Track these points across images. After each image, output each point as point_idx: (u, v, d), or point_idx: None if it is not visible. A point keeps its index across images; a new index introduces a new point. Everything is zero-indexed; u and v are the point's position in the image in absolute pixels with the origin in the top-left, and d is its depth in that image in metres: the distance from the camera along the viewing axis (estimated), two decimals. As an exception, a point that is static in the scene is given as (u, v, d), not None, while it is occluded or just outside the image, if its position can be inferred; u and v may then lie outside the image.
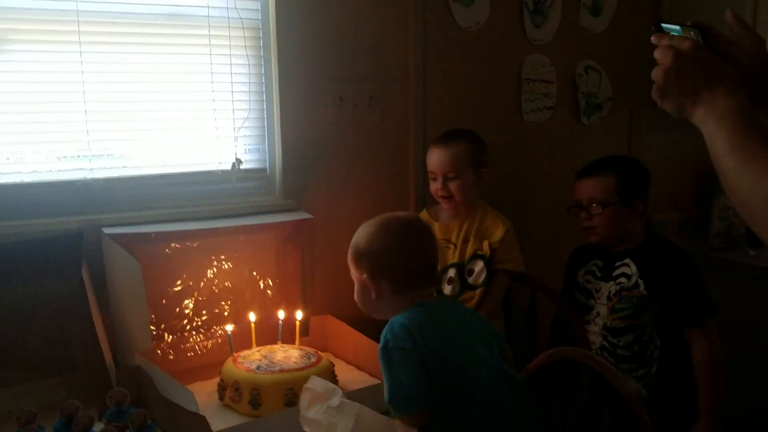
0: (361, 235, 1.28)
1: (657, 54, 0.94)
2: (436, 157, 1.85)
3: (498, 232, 1.86)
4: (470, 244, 1.86)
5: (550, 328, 1.85)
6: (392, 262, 1.23)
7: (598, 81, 2.37)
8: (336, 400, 1.21)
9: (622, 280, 1.79)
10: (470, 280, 1.85)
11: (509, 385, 1.20)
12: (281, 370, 1.47)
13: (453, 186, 1.83)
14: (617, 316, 1.77)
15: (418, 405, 1.15)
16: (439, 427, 1.15)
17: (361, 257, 1.25)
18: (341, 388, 1.52)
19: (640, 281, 1.75)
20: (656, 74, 0.93)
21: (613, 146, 2.41)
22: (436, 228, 1.90)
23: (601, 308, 1.81)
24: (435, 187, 1.86)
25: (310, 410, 1.22)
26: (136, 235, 1.64)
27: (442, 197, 1.86)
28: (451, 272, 1.87)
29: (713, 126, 0.86)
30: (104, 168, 1.70)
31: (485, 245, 1.84)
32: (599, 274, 1.86)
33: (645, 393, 1.17)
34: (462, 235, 1.87)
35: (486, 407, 1.15)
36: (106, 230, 1.61)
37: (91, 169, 1.68)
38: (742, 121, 0.84)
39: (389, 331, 1.17)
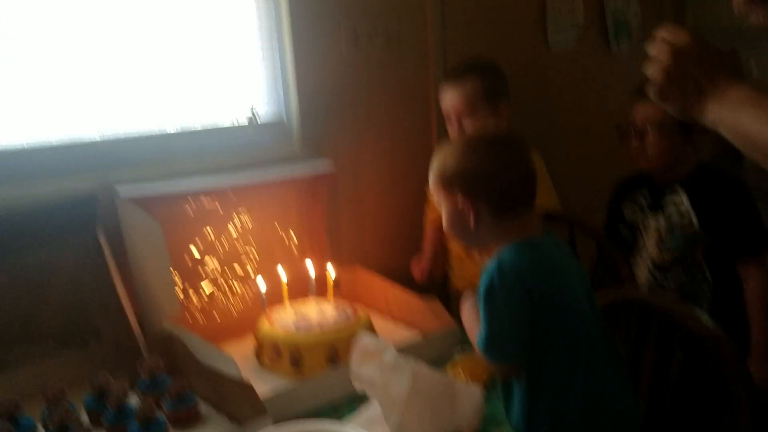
0: (446, 156, 1.13)
1: (653, 50, 0.90)
2: (447, 97, 1.70)
3: None
4: None
5: (593, 269, 1.77)
6: (491, 181, 1.08)
7: (626, 4, 2.22)
8: (390, 357, 1.13)
9: (672, 212, 1.68)
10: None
11: (602, 330, 1.12)
12: (321, 329, 1.39)
13: (470, 127, 1.68)
14: (667, 251, 1.68)
15: (518, 355, 1.06)
16: (534, 375, 1.07)
17: (452, 180, 1.10)
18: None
19: (692, 214, 1.65)
20: (655, 74, 0.90)
21: (643, 74, 2.28)
22: None
23: (649, 243, 1.72)
24: (452, 130, 1.72)
25: (363, 367, 1.14)
26: (154, 193, 1.54)
27: None
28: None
29: (734, 112, 0.84)
30: (117, 125, 1.58)
31: None
32: (647, 207, 1.74)
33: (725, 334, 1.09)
34: None
35: (586, 356, 1.07)
36: (121, 191, 1.50)
37: (103, 127, 1.56)
38: (760, 95, 0.83)
39: (496, 270, 1.05)
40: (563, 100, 2.20)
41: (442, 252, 1.87)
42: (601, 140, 2.30)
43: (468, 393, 1.14)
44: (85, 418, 1.23)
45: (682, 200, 1.67)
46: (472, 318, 1.13)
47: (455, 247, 1.80)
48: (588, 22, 2.18)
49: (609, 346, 1.12)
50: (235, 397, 1.20)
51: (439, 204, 1.15)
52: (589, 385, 1.06)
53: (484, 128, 1.21)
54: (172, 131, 1.66)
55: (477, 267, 1.76)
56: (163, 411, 1.21)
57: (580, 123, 2.22)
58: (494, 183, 1.08)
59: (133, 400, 1.23)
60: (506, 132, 1.18)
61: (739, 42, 0.99)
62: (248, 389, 1.16)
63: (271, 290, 1.60)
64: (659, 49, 0.88)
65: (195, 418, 1.23)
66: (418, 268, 1.84)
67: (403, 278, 1.71)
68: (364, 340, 1.17)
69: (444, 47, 1.93)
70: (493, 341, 1.05)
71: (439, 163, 1.13)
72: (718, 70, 0.86)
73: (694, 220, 1.64)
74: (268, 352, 1.40)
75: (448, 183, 1.11)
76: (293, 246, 1.79)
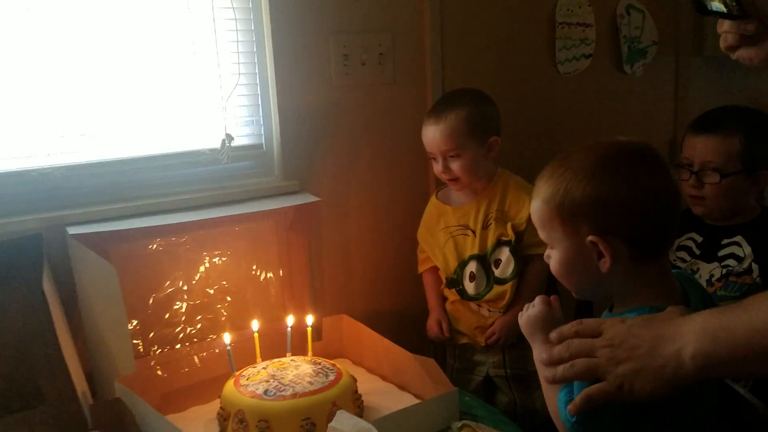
0: (566, 178, 0.88)
1: (562, 353, 0.81)
2: (429, 135, 1.52)
3: (524, 210, 1.53)
4: (492, 228, 1.54)
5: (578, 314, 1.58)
6: (633, 213, 0.85)
7: (641, 23, 2.05)
8: (370, 447, 0.93)
9: (731, 262, 1.45)
10: (497, 272, 1.54)
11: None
12: (294, 395, 1.20)
13: (456, 166, 1.51)
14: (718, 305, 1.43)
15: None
16: None
17: (578, 211, 0.86)
18: (368, 414, 1.27)
19: (755, 265, 1.42)
20: (588, 367, 0.79)
21: (659, 98, 2.13)
22: (450, 213, 1.59)
23: None
24: (437, 169, 1.55)
25: (337, 458, 0.95)
26: (110, 233, 1.35)
27: (449, 180, 1.55)
28: (473, 266, 1.56)
29: (711, 342, 0.73)
30: (66, 153, 1.39)
31: (509, 228, 1.53)
32: (698, 252, 1.51)
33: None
34: (481, 218, 1.55)
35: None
36: (72, 230, 1.32)
37: (49, 154, 1.37)
38: (721, 311, 0.76)
39: None
40: (574, 126, 2.02)
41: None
42: None
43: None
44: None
45: (744, 250, 1.45)
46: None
47: (450, 294, 1.61)
48: (600, 45, 2.00)
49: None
50: (186, 486, 1.01)
51: (551, 240, 0.93)
52: None
53: (615, 139, 0.92)
54: (134, 156, 1.47)
55: (476, 318, 1.58)
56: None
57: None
58: (637, 215, 0.85)
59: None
60: (644, 146, 0.91)
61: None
62: (200, 480, 0.96)
63: (245, 342, 1.41)
64: (572, 347, 0.81)
65: None
66: (436, 326, 1.62)
67: (394, 329, 1.52)
68: (341, 420, 0.97)
69: (443, 71, 1.75)
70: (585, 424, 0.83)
71: (555, 187, 0.89)
72: (654, 328, 0.77)
73: (756, 275, 1.42)
74: (233, 423, 1.20)
75: (571, 214, 0.88)
76: (271, 290, 1.60)
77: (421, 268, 1.69)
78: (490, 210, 1.56)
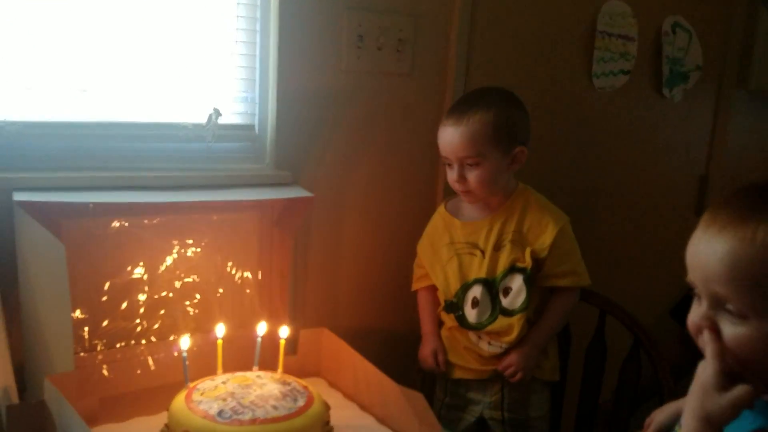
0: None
1: None
2: (447, 138, 1.32)
3: (546, 235, 1.34)
4: (506, 251, 1.34)
5: (622, 369, 1.38)
6: None
7: (686, 44, 1.89)
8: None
9: None
10: (505, 302, 1.35)
11: None
12: (254, 420, 1.00)
13: (473, 176, 1.31)
14: None
15: None
16: None
17: None
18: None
19: None
20: None
21: (696, 128, 1.96)
22: (458, 228, 1.40)
23: None
24: (451, 177, 1.34)
25: None
26: (64, 204, 1.16)
27: (462, 191, 1.35)
28: (477, 291, 1.36)
29: None
30: (24, 108, 1.20)
31: (527, 254, 1.33)
32: None
33: None
34: (493, 238, 1.35)
35: None
36: (18, 195, 1.13)
37: (3, 107, 1.18)
38: None
39: None
40: (603, 146, 1.85)
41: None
42: (650, 194, 1.96)
43: None
44: None
45: None
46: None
47: (447, 319, 1.41)
48: (640, 63, 1.83)
49: None
50: None
51: (749, 310, 0.67)
52: None
53: None
54: (101, 121, 1.27)
55: (473, 350, 1.38)
56: None
57: (622, 176, 1.87)
58: None
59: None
60: None
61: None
62: None
63: (205, 351, 1.21)
64: None
65: None
66: (431, 357, 1.40)
67: (379, 350, 1.33)
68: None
69: (468, 66, 1.57)
70: None
71: (744, 247, 0.66)
72: None
73: None
74: (177, 446, 1.01)
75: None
76: (246, 292, 1.41)
77: (415, 286, 1.49)
78: (505, 230, 1.36)
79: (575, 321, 1.47)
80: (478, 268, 1.36)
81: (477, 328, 1.36)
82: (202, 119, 1.34)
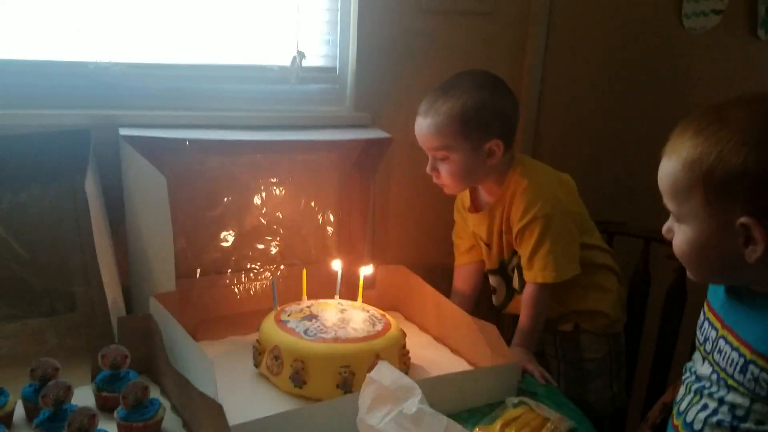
0: (724, 140, 0.72)
1: None
2: (417, 129, 1.26)
3: (515, 226, 1.24)
4: (506, 238, 1.30)
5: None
6: None
7: (786, -19, 1.76)
8: (413, 405, 0.79)
9: None
10: (515, 283, 1.34)
11: None
12: (336, 339, 1.07)
13: (443, 170, 1.25)
14: None
15: None
16: None
17: (733, 185, 0.71)
18: (413, 373, 1.13)
19: None
20: None
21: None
22: (468, 219, 1.37)
23: None
24: (428, 166, 1.28)
25: (374, 413, 0.82)
26: (164, 140, 1.25)
27: (437, 183, 1.30)
28: (493, 280, 1.38)
29: None
30: (126, 50, 1.29)
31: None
32: None
33: None
34: (495, 230, 1.30)
35: None
36: (124, 131, 1.23)
37: (109, 49, 1.28)
38: None
39: None
40: (694, 91, 1.77)
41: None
42: None
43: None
44: (20, 411, 0.96)
45: None
46: None
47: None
48: (734, 2, 1.73)
49: None
50: (204, 417, 0.90)
51: (683, 214, 0.78)
52: None
53: None
54: (194, 63, 1.35)
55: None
56: (114, 419, 0.92)
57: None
58: None
59: (84, 400, 0.95)
60: None
61: None
62: (217, 411, 0.85)
63: (292, 279, 1.30)
64: None
65: (153, 433, 0.93)
66: None
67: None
68: (382, 373, 0.83)
69: (550, 8, 1.54)
70: None
71: (704, 149, 0.73)
72: None
73: None
74: (268, 358, 1.09)
75: (722, 188, 0.72)
76: (327, 229, 1.47)
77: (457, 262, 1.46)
78: (503, 219, 1.29)
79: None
80: (488, 260, 1.37)
81: (500, 309, 1.40)
82: (287, 62, 1.40)
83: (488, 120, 1.21)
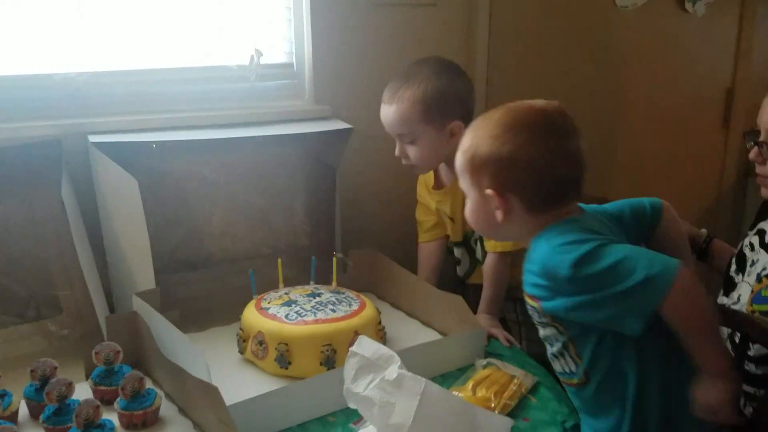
0: (479, 135, 0.94)
1: None
2: (382, 116, 1.35)
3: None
4: None
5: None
6: (529, 173, 0.91)
7: (708, -43, 1.89)
8: (393, 371, 0.88)
9: None
10: (478, 254, 1.44)
11: None
12: (316, 320, 1.15)
13: (412, 152, 1.34)
14: (759, 308, 1.13)
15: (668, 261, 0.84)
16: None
17: (482, 166, 0.93)
18: (389, 346, 1.21)
19: None
20: None
21: (720, 42, 1.98)
22: (433, 195, 1.46)
23: (745, 290, 1.19)
24: (396, 149, 1.37)
25: (359, 382, 0.90)
26: (133, 144, 1.30)
27: (407, 165, 1.38)
28: (458, 252, 1.49)
29: None
30: (89, 60, 1.33)
31: None
32: (764, 242, 1.20)
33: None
34: (458, 204, 1.38)
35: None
36: (93, 138, 1.27)
37: (72, 60, 1.31)
38: None
39: (549, 263, 0.88)
40: (628, 65, 1.90)
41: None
42: (677, 109, 2.02)
43: (493, 424, 0.88)
44: (24, 409, 1.01)
45: None
46: None
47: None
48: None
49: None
50: (200, 401, 0.97)
51: (465, 188, 0.99)
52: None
53: (530, 103, 0.95)
54: (159, 68, 1.40)
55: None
56: (115, 409, 0.99)
57: (649, 93, 1.92)
58: (536, 177, 0.92)
59: (83, 395, 1.00)
60: (556, 111, 0.95)
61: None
62: (213, 394, 0.92)
63: (268, 269, 1.36)
64: None
65: (152, 420, 1.00)
66: None
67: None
68: (363, 346, 0.92)
69: (490, 10, 1.63)
70: (643, 267, 0.83)
71: (470, 141, 0.97)
72: None
73: None
74: (252, 345, 1.16)
75: (477, 169, 0.95)
76: (297, 218, 1.54)
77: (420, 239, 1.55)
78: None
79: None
80: (453, 234, 1.46)
81: (464, 278, 1.51)
82: (246, 60, 1.45)
83: (449, 103, 1.31)
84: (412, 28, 1.59)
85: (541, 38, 1.76)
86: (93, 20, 1.31)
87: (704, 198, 2.14)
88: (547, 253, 0.89)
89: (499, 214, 0.94)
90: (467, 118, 1.32)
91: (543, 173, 0.92)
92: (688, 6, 1.92)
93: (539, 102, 0.96)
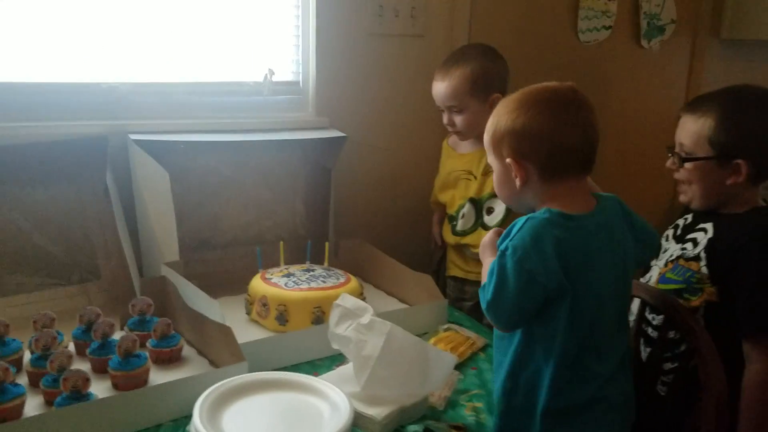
0: (500, 113, 1.07)
1: None
2: (435, 91, 1.66)
3: None
4: (491, 178, 1.68)
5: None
6: (541, 142, 1.02)
7: (662, 1, 2.18)
8: (367, 318, 1.14)
9: (688, 246, 1.36)
10: (487, 219, 1.69)
11: (619, 318, 1.10)
12: (310, 288, 1.41)
13: (459, 121, 1.64)
14: (663, 287, 1.35)
15: (514, 325, 1.05)
16: (527, 341, 1.05)
17: (501, 139, 1.06)
18: (371, 310, 1.48)
19: (704, 254, 1.31)
20: None
21: (673, 75, 2.25)
22: (456, 159, 1.75)
23: (654, 272, 1.42)
24: (444, 120, 1.68)
25: (340, 326, 1.15)
26: (165, 143, 1.57)
27: (453, 132, 1.70)
28: (466, 207, 1.71)
29: None
30: (131, 72, 1.61)
31: None
32: (678, 233, 1.44)
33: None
34: (483, 166, 1.66)
35: (589, 340, 1.04)
36: (133, 136, 1.54)
37: (117, 71, 1.60)
38: None
39: (519, 237, 1.00)
40: (589, 93, 2.14)
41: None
42: (633, 136, 2.28)
43: (441, 359, 1.14)
44: (71, 347, 1.27)
45: (704, 237, 1.34)
46: (487, 264, 1.10)
47: (451, 238, 1.78)
48: (621, 19, 2.14)
49: (621, 335, 1.10)
50: (216, 342, 1.23)
51: (492, 163, 1.12)
52: (581, 369, 1.04)
53: (544, 84, 1.07)
54: (188, 81, 1.69)
55: (464, 258, 1.74)
56: (147, 348, 1.24)
57: (606, 121, 2.18)
58: (546, 145, 1.02)
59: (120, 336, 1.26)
60: (568, 89, 1.06)
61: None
62: (228, 334, 1.18)
63: (271, 252, 1.62)
64: None
65: (176, 357, 1.26)
66: (434, 232, 1.87)
67: (407, 255, 1.71)
68: (345, 300, 1.18)
69: (470, 30, 1.92)
70: (495, 303, 1.02)
71: (493, 119, 1.09)
72: None
73: (703, 264, 1.31)
74: (257, 306, 1.43)
75: (498, 142, 1.07)
76: (297, 213, 1.81)
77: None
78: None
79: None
80: (470, 189, 1.72)
81: (461, 235, 1.73)
82: (260, 78, 1.73)
83: (491, 79, 1.61)
84: (401, 55, 1.87)
85: (513, 67, 2.03)
86: (136, 39, 1.60)
87: (654, 215, 2.39)
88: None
89: (518, 182, 1.05)
90: (505, 93, 1.61)
91: (553, 142, 1.02)
92: (644, 43, 2.20)
93: (553, 83, 1.06)
